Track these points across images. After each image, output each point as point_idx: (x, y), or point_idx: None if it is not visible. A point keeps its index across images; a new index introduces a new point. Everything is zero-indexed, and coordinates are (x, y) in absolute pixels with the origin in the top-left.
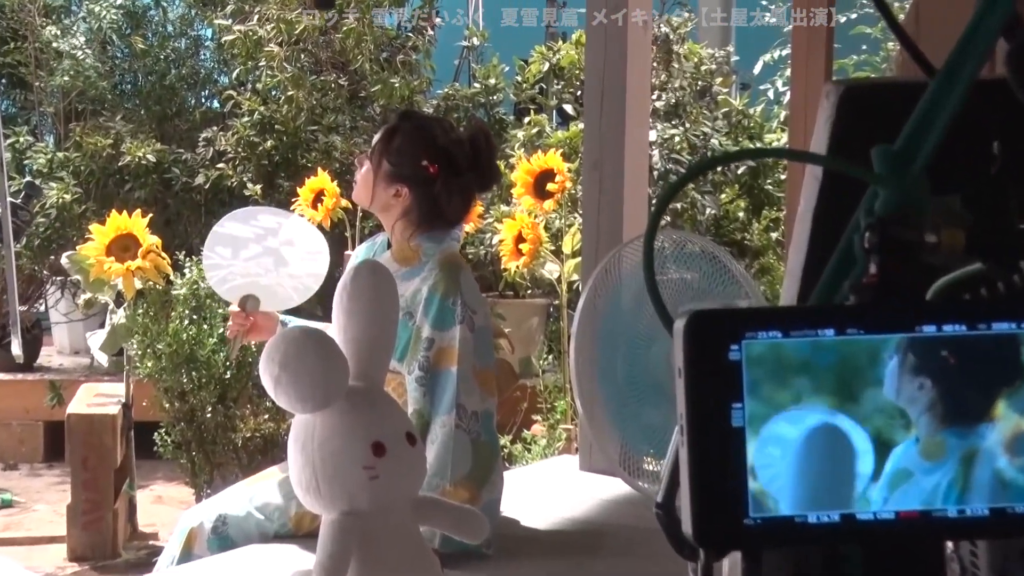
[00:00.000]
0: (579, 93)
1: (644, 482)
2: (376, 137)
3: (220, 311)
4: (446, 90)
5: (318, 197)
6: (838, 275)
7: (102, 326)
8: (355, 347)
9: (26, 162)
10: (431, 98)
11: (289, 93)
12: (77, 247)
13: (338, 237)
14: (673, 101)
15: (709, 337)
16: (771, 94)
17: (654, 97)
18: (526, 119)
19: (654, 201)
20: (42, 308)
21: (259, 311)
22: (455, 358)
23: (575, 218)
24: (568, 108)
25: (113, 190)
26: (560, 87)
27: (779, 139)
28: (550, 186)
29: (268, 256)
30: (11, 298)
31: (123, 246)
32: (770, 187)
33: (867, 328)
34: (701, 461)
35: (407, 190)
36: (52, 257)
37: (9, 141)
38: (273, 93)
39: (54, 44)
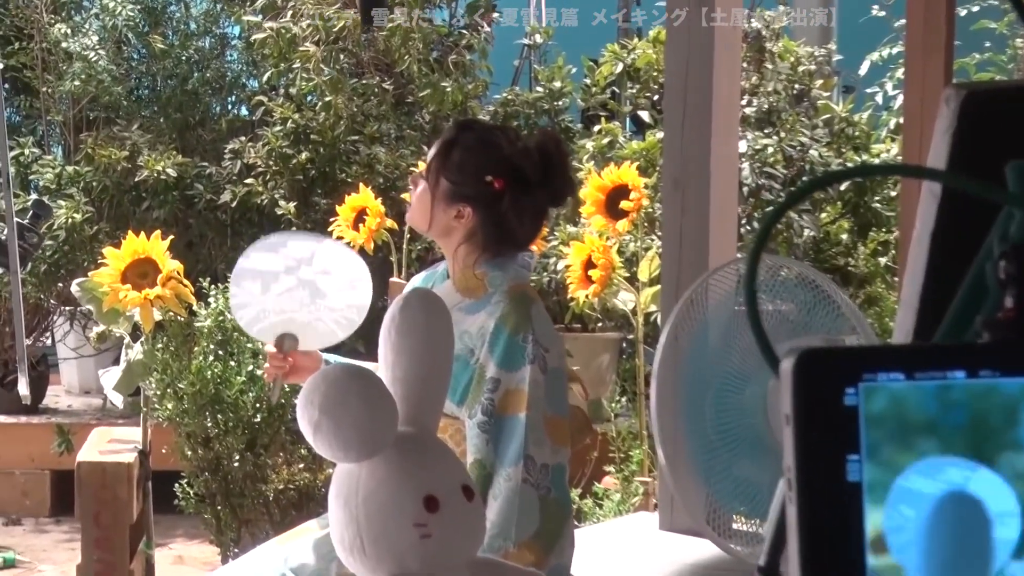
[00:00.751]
0: (657, 98)
1: (736, 544)
2: (432, 151)
3: (249, 346)
4: (504, 95)
5: (360, 216)
6: (968, 309)
7: (116, 363)
8: (405, 388)
9: (31, 177)
10: (487, 104)
11: (327, 99)
12: (88, 273)
13: (382, 262)
14: (766, 107)
15: (822, 379)
16: (879, 98)
17: (744, 102)
18: (596, 127)
19: (744, 221)
20: (48, 342)
21: (298, 351)
22: (524, 402)
23: (653, 241)
24: (644, 115)
25: (129, 208)
26: (635, 91)
27: (889, 150)
28: (624, 204)
29: (303, 289)
30: (17, 331)
31: (140, 272)
32: (878, 205)
33: (1004, 369)
34: (812, 520)
35: (470, 210)
36: (60, 285)
37: (13, 154)
38: (309, 99)
39: (63, 44)
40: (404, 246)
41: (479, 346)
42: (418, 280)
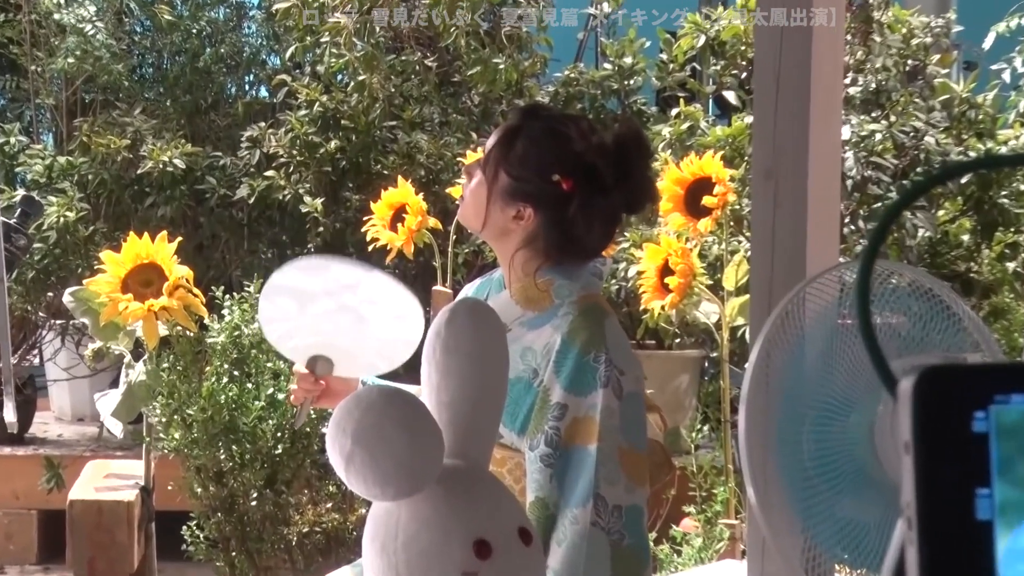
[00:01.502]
0: (745, 75)
1: None
2: (492, 139)
3: (269, 365)
4: (567, 72)
5: (398, 215)
6: None
7: (115, 385)
8: (452, 414)
9: (18, 169)
10: (546, 83)
11: (360, 78)
12: (83, 281)
13: (424, 267)
14: (873, 86)
15: (947, 401)
16: (1007, 76)
17: (848, 81)
18: (674, 111)
19: (847, 220)
20: (36, 361)
21: (333, 375)
22: (595, 433)
23: (740, 243)
24: (730, 96)
25: (130, 206)
26: (720, 67)
27: (1018, 137)
28: (707, 200)
29: (345, 313)
30: (3, 348)
31: (143, 279)
32: (1005, 201)
33: None
34: (936, 563)
35: (531, 211)
36: (50, 294)
37: None
38: (339, 78)
39: (56, 15)
40: (450, 249)
41: (543, 366)
42: (470, 290)
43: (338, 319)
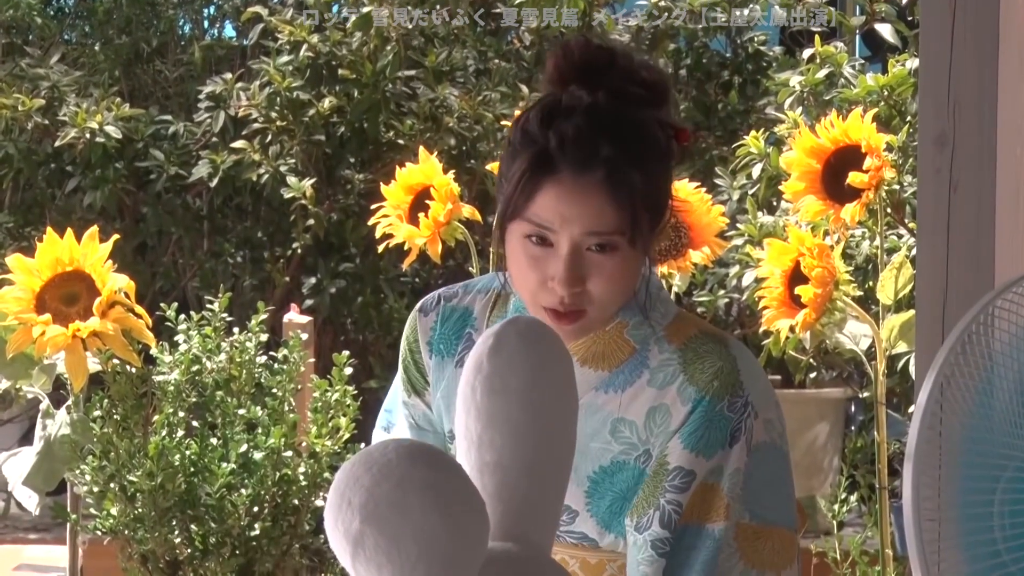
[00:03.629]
0: (905, 2)
1: None
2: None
3: (242, 412)
4: (652, 0)
5: (419, 201)
6: None
7: (27, 441)
8: (501, 480)
9: None
10: (622, 12)
11: (365, 10)
12: None
13: (455, 272)
14: None
15: None
16: None
17: None
18: (806, 52)
19: None
20: None
21: None
22: (722, 507)
23: (902, 239)
24: (885, 31)
25: (46, 191)
26: None
27: None
28: (854, 178)
29: None
30: None
31: (66, 294)
32: None
33: None
34: None
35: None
36: None
37: None
38: (336, 10)
39: None
40: (492, 249)
41: (649, 435)
42: (431, 317)
43: None
